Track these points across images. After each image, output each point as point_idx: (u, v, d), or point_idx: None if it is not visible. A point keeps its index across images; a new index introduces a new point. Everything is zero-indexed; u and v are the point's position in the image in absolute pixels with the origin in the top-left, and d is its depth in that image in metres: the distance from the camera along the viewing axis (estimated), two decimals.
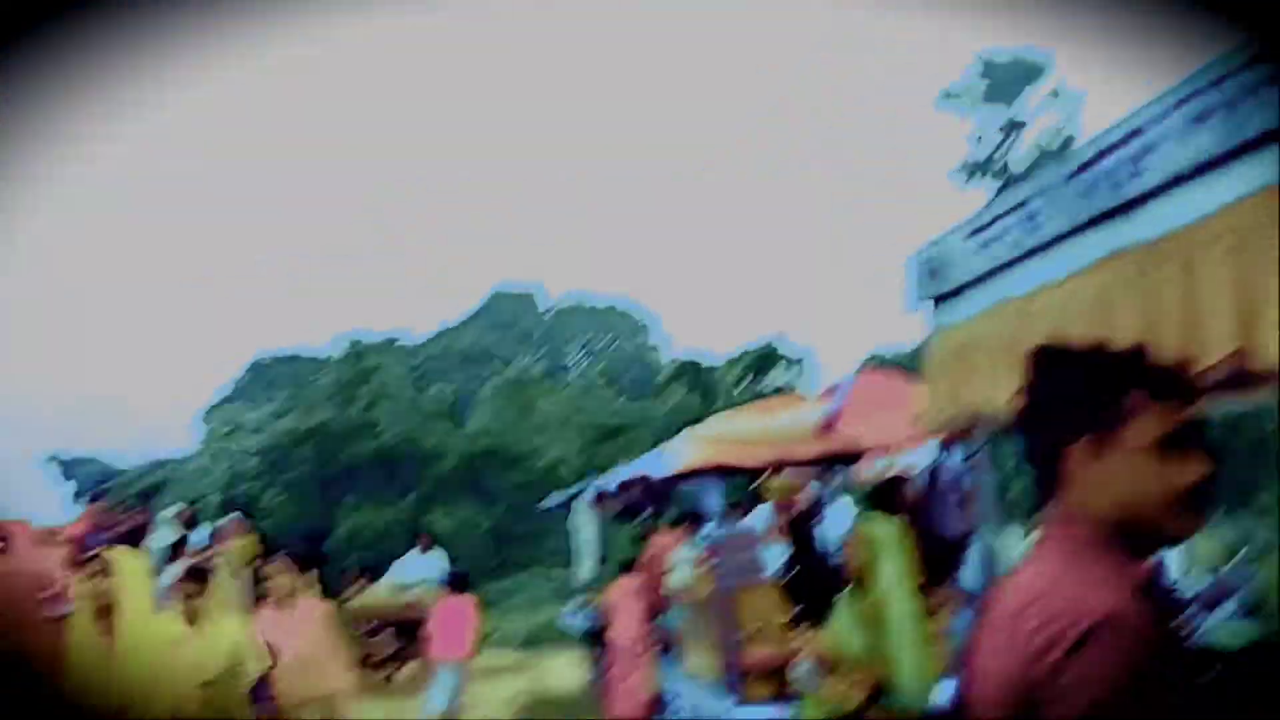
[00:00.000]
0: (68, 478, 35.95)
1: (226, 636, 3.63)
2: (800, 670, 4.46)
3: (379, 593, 12.03)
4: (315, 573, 8.20)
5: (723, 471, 5.18)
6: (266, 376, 39.79)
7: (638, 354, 34.32)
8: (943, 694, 4.59)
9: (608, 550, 10.72)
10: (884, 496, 5.80)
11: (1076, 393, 1.39)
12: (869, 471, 6.96)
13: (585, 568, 10.46)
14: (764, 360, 21.66)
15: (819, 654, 4.36)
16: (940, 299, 2.74)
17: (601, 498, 10.05)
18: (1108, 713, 1.24)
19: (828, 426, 4.93)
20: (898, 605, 4.37)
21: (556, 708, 10.52)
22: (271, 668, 3.86)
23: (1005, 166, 21.31)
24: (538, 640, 16.51)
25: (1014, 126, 21.37)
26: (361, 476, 27.76)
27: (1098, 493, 1.37)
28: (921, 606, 4.44)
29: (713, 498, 5.37)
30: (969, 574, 5.33)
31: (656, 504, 8.43)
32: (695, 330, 78.15)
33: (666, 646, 6.78)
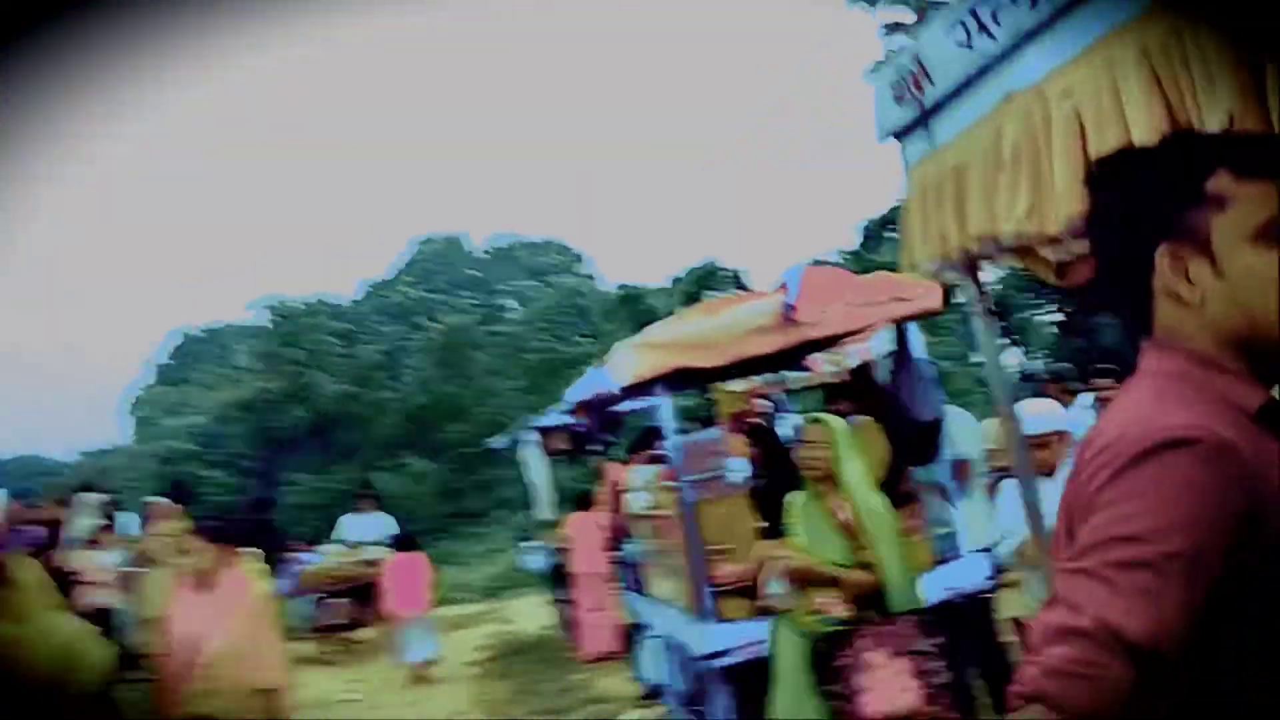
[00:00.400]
0: (4, 480, 34.43)
1: (54, 634, 3.13)
2: (770, 586, 4.10)
3: (328, 558, 11.52)
4: (260, 552, 7.67)
5: (676, 379, 4.74)
6: (191, 354, 38.43)
7: (576, 288, 33.65)
8: (931, 587, 4.33)
9: (560, 486, 10.36)
10: (849, 389, 5.46)
11: (1152, 197, 1.07)
12: (823, 367, 6.64)
13: (542, 506, 10.09)
14: (705, 280, 21.24)
15: (789, 566, 4.00)
16: (914, 124, 2.30)
17: (547, 433, 9.62)
18: (1156, 547, 0.92)
19: (787, 318, 4.51)
20: (866, 503, 4.02)
21: (527, 650, 10.25)
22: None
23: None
24: (501, 587, 16.30)
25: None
26: (302, 445, 26.95)
27: (1194, 310, 1.06)
28: (890, 501, 4.14)
29: (666, 410, 4.93)
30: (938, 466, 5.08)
31: (604, 434, 8.04)
32: (622, 267, 77.68)
33: (632, 575, 6.43)
